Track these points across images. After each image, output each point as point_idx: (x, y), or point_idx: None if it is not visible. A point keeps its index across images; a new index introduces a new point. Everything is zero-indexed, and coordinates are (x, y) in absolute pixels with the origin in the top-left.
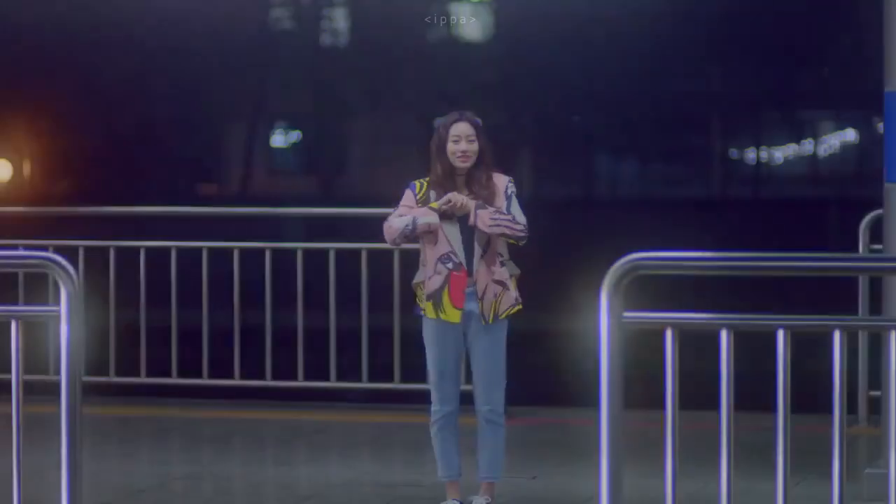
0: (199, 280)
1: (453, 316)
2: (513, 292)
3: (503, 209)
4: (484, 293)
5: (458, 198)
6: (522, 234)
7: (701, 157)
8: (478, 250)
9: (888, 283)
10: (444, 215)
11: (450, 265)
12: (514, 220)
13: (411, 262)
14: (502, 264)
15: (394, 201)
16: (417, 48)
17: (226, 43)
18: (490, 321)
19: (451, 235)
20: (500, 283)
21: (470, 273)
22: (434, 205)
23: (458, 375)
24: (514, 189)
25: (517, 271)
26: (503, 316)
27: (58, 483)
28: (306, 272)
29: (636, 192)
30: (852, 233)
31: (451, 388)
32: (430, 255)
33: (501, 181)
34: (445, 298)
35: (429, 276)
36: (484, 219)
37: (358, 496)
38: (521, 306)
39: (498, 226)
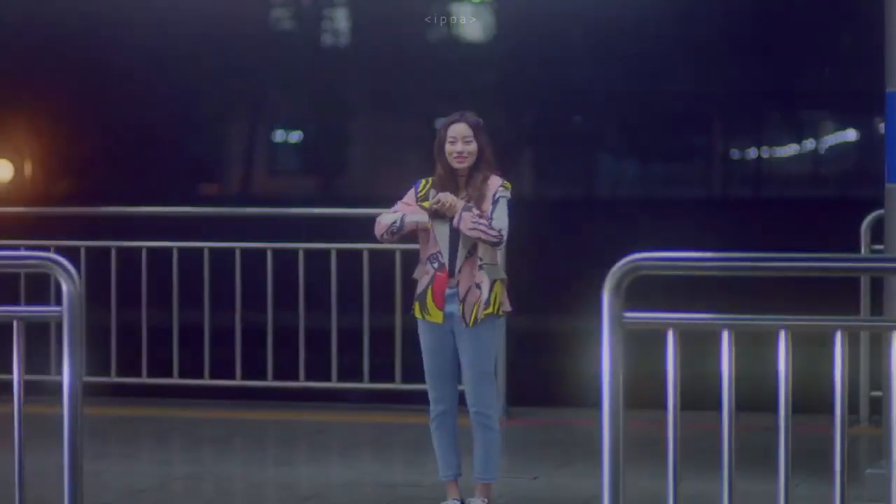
0: (201, 280)
1: (436, 316)
2: (485, 295)
3: (489, 212)
4: (466, 295)
5: (448, 198)
6: (496, 241)
7: (701, 157)
8: (462, 252)
9: (889, 284)
10: (437, 215)
11: (436, 265)
12: (489, 226)
13: (413, 262)
14: (481, 268)
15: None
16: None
17: (226, 42)
18: (470, 324)
19: (441, 236)
20: (478, 286)
21: (452, 274)
22: (426, 204)
23: (450, 375)
24: (503, 193)
25: (502, 276)
26: (479, 319)
27: (59, 483)
28: (308, 272)
29: (637, 192)
30: (855, 233)
31: (444, 388)
32: (422, 254)
33: (494, 184)
34: (429, 298)
35: (417, 277)
36: (466, 221)
37: (358, 496)
38: (493, 310)
39: (475, 229)
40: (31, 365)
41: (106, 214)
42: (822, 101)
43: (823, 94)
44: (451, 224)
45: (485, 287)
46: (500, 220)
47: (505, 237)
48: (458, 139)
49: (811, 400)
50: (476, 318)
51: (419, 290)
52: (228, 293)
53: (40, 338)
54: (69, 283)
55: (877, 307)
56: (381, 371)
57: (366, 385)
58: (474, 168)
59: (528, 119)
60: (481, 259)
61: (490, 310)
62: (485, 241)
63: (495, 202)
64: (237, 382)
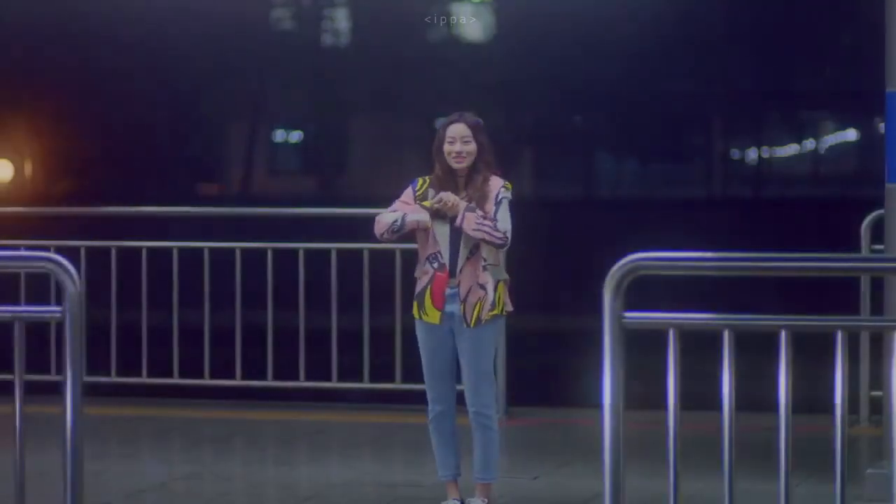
0: (201, 280)
1: (433, 317)
2: (490, 296)
3: (492, 213)
4: (467, 296)
5: (450, 198)
6: (501, 243)
7: (701, 157)
8: (463, 252)
9: (889, 284)
10: (437, 214)
11: (435, 265)
12: (494, 227)
13: (413, 262)
14: (485, 268)
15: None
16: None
17: (226, 42)
18: (472, 324)
19: (441, 235)
20: (482, 286)
21: (453, 274)
22: (427, 203)
23: (448, 375)
24: (505, 195)
25: (504, 277)
26: (484, 320)
27: (59, 483)
28: (308, 272)
29: (638, 193)
30: (855, 233)
31: (441, 388)
32: (421, 254)
33: (496, 185)
34: (427, 299)
35: (417, 276)
36: (470, 222)
37: (358, 496)
38: (498, 311)
39: (479, 230)
40: (31, 365)
41: (106, 214)
42: (822, 101)
43: (823, 94)
44: (451, 224)
45: (490, 288)
46: (505, 221)
47: (510, 239)
48: (457, 139)
49: (811, 400)
50: (478, 318)
51: (418, 289)
52: (228, 293)
53: (40, 338)
54: (69, 283)
55: (877, 307)
56: (381, 371)
57: (366, 385)
58: (473, 168)
59: (528, 119)
60: (485, 260)
61: (496, 311)
62: (489, 243)
63: (498, 203)
64: (237, 382)
